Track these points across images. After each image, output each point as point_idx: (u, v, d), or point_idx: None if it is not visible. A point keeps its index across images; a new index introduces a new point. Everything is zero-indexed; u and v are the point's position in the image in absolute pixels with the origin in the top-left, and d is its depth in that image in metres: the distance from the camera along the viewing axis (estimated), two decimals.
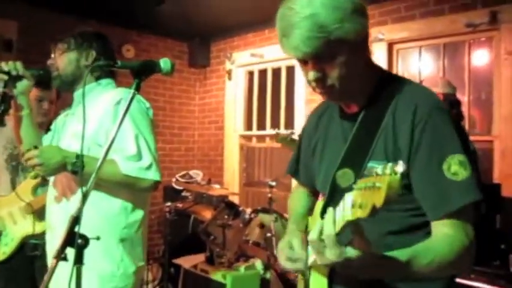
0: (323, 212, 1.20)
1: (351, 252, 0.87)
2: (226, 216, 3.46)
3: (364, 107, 1.17)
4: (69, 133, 1.84)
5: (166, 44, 5.16)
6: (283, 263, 1.20)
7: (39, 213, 2.22)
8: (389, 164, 0.77)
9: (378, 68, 1.22)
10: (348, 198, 0.84)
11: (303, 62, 1.09)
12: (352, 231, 0.87)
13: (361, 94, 1.17)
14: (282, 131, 2.41)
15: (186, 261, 3.25)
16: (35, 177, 1.73)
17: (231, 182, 5.09)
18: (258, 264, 2.96)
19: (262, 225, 3.32)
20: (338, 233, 0.86)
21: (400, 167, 0.76)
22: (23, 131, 1.92)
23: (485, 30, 3.40)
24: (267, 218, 3.35)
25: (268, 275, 3.00)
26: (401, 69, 3.97)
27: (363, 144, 1.13)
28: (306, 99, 4.42)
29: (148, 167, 1.73)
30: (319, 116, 1.37)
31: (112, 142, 1.32)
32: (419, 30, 3.70)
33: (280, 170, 4.79)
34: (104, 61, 1.77)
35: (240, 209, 3.60)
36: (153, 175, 1.73)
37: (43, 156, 1.66)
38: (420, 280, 1.06)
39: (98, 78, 1.89)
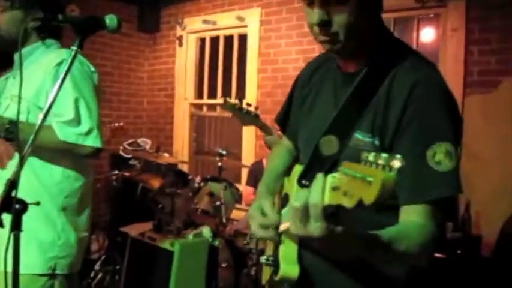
0: (301, 177, 1.15)
1: (337, 228, 0.78)
2: (175, 185, 3.42)
3: (362, 69, 1.09)
4: (8, 95, 1.73)
5: (114, 7, 4.91)
6: (255, 230, 1.15)
7: None
8: (384, 155, 0.67)
9: (386, 31, 1.14)
10: (330, 179, 0.75)
11: (310, 1, 1.03)
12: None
13: (362, 54, 1.09)
14: (232, 100, 2.36)
15: (133, 229, 3.19)
16: None
17: (180, 151, 5.02)
18: (207, 231, 2.96)
19: (211, 194, 3.31)
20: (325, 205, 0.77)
21: (398, 163, 0.66)
22: None
23: (433, 7, 3.49)
24: (217, 187, 3.35)
25: (216, 243, 3.01)
26: None
27: (353, 112, 1.07)
28: (258, 69, 4.38)
29: (87, 133, 1.65)
30: (316, 68, 1.28)
31: (50, 106, 1.25)
32: None
33: (231, 139, 4.77)
34: (44, 15, 1.66)
35: (189, 177, 3.57)
36: (92, 141, 1.67)
37: None
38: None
39: (43, 39, 1.77)
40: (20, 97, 1.30)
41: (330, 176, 0.76)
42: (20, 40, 1.40)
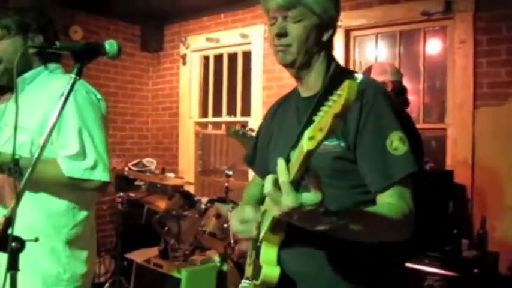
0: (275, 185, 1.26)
1: (306, 196, 0.87)
2: (181, 207, 3.35)
3: (318, 92, 1.25)
4: (9, 123, 1.66)
5: (117, 27, 4.92)
6: (234, 224, 1.27)
7: None
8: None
9: (336, 61, 1.33)
10: (304, 135, 0.83)
11: (273, 19, 1.22)
12: (308, 178, 0.88)
13: (316, 77, 1.27)
14: (236, 126, 2.30)
15: (139, 255, 3.12)
16: None
17: (186, 170, 4.96)
18: (215, 256, 2.88)
19: (218, 216, 3.23)
20: (292, 180, 0.87)
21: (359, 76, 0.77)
22: None
23: (440, 19, 3.44)
24: (224, 208, 3.27)
25: (225, 267, 2.93)
26: (358, 56, 3.96)
27: None
28: (262, 86, 4.34)
29: (93, 167, 1.57)
30: (277, 108, 1.47)
31: (47, 139, 1.18)
32: (376, 17, 3.69)
33: (237, 157, 4.71)
34: (41, 42, 1.61)
35: (196, 198, 3.50)
36: (99, 175, 1.58)
37: None
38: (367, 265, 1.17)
39: (45, 63, 1.70)
40: (15, 128, 1.24)
41: (305, 133, 0.84)
42: (15, 67, 1.34)
